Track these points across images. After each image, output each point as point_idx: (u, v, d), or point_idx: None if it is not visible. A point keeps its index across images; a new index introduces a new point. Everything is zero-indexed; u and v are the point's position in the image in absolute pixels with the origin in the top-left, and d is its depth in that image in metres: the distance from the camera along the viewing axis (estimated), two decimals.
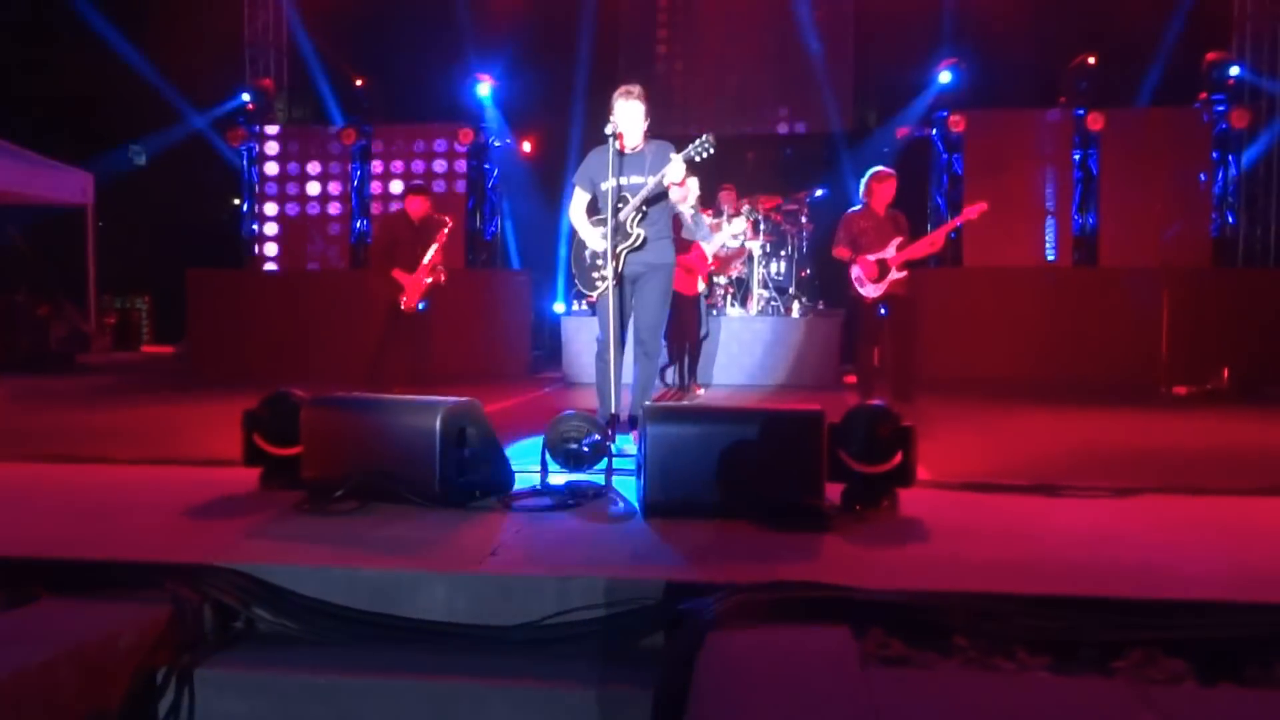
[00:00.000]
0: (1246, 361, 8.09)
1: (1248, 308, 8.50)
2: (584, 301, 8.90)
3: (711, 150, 4.63)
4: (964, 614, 2.35)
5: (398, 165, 12.16)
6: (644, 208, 4.88)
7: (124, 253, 13.79)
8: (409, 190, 8.06)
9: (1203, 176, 10.64)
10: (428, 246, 7.33)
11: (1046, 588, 2.51)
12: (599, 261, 4.96)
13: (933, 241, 6.89)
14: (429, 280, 7.35)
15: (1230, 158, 10.90)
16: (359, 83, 11.98)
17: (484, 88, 11.86)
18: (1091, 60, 10.70)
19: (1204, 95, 10.73)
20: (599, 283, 4.97)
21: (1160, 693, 2.04)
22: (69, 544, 2.94)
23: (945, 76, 11.08)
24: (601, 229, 5.04)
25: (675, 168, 4.67)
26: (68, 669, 2.17)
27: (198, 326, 10.09)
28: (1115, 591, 2.47)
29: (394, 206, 11.39)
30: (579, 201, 5.16)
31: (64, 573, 2.68)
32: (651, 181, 4.78)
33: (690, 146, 4.66)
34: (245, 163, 12.48)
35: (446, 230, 7.44)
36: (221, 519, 3.35)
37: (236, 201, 12.96)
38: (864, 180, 6.98)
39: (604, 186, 4.96)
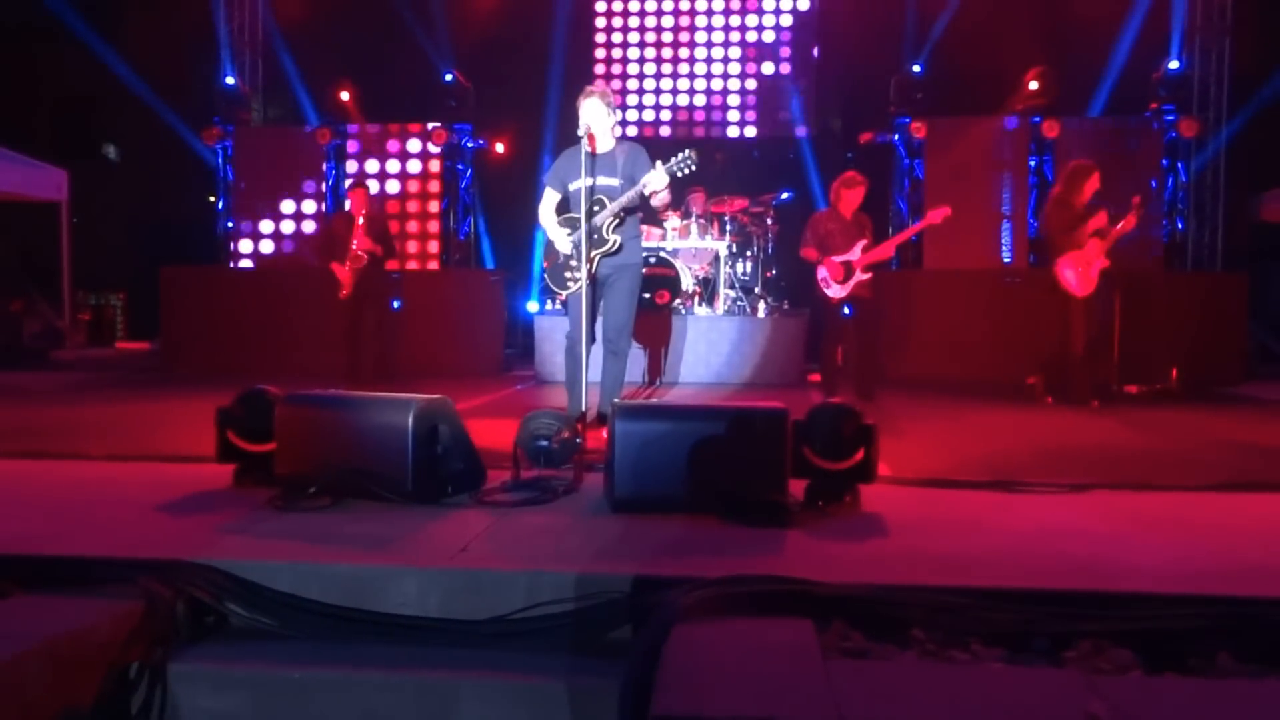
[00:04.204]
0: (1194, 362, 8.33)
1: (1196, 310, 8.71)
2: (557, 300, 8.97)
3: (694, 167, 4.71)
4: (921, 607, 2.41)
5: (372, 165, 12.12)
6: (621, 214, 4.94)
7: (98, 249, 13.60)
8: (350, 185, 8.57)
9: (1153, 183, 10.90)
10: (354, 237, 7.80)
11: (1001, 581, 2.58)
12: (572, 262, 5.01)
13: (897, 244, 7.06)
14: (351, 268, 7.79)
15: (1180, 165, 11.19)
16: (345, 96, 11.92)
17: (458, 88, 11.85)
18: (1046, 72, 10.94)
19: (1155, 105, 11.00)
20: (570, 283, 5.03)
21: (1108, 682, 2.09)
22: (41, 540, 2.93)
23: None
24: (567, 230, 5.09)
25: (658, 178, 4.72)
26: (40, 665, 2.17)
27: (172, 323, 9.99)
28: (1066, 585, 2.55)
29: None
30: (549, 202, 5.20)
31: (36, 569, 2.67)
32: (632, 190, 4.84)
33: (673, 161, 4.72)
34: (220, 161, 12.35)
35: (361, 220, 7.87)
36: (195, 515, 3.35)
37: (211, 199, 12.83)
38: (834, 184, 7.08)
39: (573, 187, 5.01)
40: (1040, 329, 8.66)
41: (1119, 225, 6.78)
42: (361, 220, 7.83)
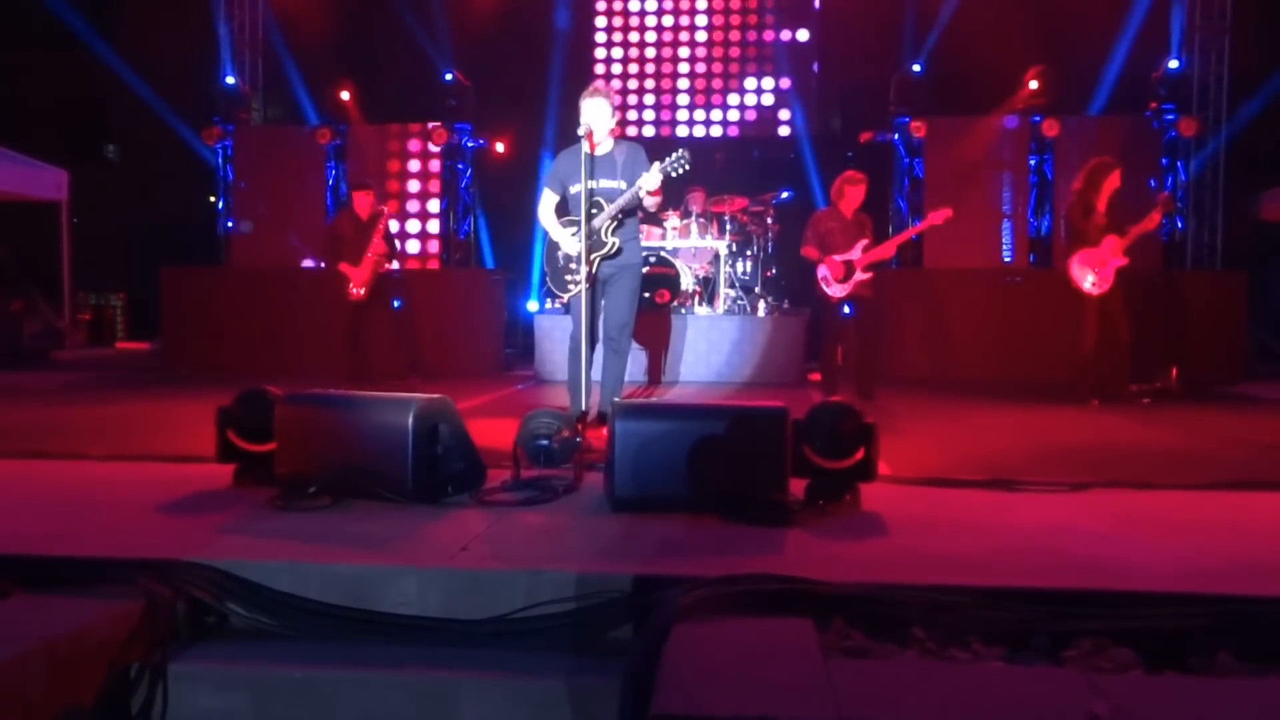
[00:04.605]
0: (1194, 360, 8.33)
1: (1195, 309, 8.73)
2: (557, 300, 8.99)
3: (687, 167, 4.73)
4: (921, 606, 2.41)
5: (372, 165, 12.13)
6: (619, 216, 4.95)
7: (98, 249, 13.63)
8: (353, 186, 8.55)
9: (1153, 182, 10.89)
10: (372, 239, 7.75)
11: (1001, 580, 2.58)
12: (572, 265, 5.02)
13: (897, 244, 7.05)
14: (372, 269, 7.76)
15: (1179, 164, 11.19)
16: (345, 96, 11.93)
17: (458, 88, 11.87)
18: (1046, 71, 10.93)
19: (1154, 104, 11.00)
20: (571, 285, 5.04)
21: (1108, 681, 2.09)
22: (41, 540, 2.93)
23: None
24: (573, 230, 5.09)
25: (652, 178, 4.74)
26: (39, 665, 2.17)
27: (172, 324, 10.01)
28: (1067, 583, 2.55)
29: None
30: (548, 203, 5.21)
31: (36, 569, 2.67)
32: (629, 193, 4.85)
33: (667, 161, 4.74)
34: (220, 161, 12.36)
35: (383, 221, 7.86)
36: (195, 515, 3.35)
37: (211, 199, 12.83)
38: (836, 181, 7.07)
39: (574, 189, 5.02)
40: (1041, 327, 8.68)
41: (1140, 223, 6.70)
42: (383, 221, 7.84)
